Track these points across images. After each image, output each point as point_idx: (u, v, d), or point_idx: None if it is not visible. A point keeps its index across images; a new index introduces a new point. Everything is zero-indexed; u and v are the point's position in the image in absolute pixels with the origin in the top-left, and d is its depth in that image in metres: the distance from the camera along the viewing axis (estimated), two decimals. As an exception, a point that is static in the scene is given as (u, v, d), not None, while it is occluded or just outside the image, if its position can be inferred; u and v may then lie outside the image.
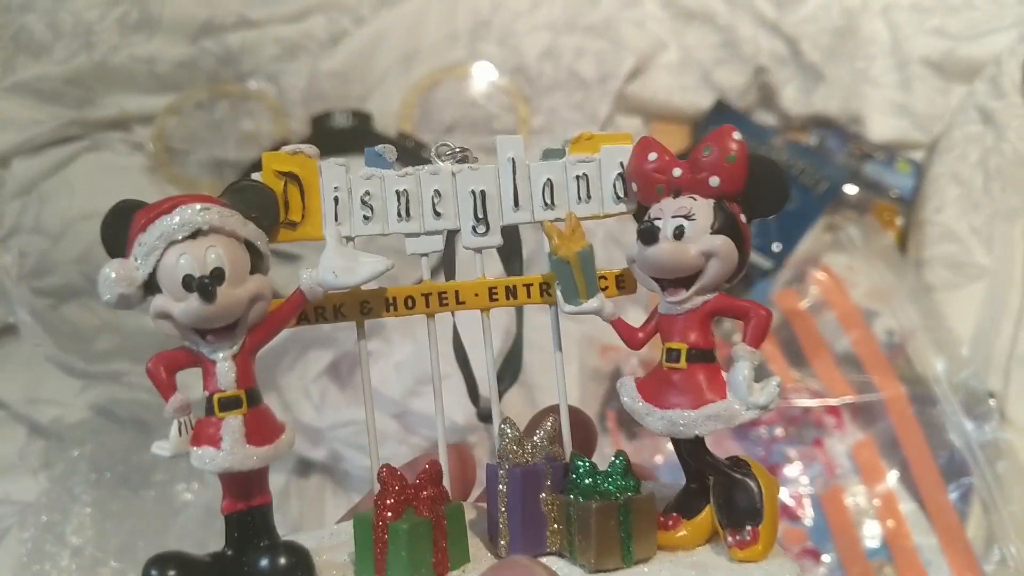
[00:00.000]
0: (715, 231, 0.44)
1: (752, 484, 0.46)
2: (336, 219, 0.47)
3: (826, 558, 0.83)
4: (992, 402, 0.90)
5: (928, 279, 1.03)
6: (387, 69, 1.17)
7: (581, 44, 1.19)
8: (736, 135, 0.44)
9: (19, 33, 1.11)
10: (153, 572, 0.42)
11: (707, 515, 0.46)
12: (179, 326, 0.41)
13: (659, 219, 0.45)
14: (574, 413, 0.52)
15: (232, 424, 0.42)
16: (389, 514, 0.43)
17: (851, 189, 1.11)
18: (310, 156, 0.47)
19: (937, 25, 1.18)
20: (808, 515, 0.86)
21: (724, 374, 0.45)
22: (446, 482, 0.47)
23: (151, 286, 0.41)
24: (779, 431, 0.91)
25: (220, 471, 0.42)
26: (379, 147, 0.48)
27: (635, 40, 1.19)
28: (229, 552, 0.44)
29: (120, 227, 0.42)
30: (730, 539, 0.45)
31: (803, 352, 0.97)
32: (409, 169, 0.48)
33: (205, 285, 0.40)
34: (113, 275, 0.41)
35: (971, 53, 1.15)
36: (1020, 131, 1.07)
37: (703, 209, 0.44)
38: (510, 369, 0.57)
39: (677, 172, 0.45)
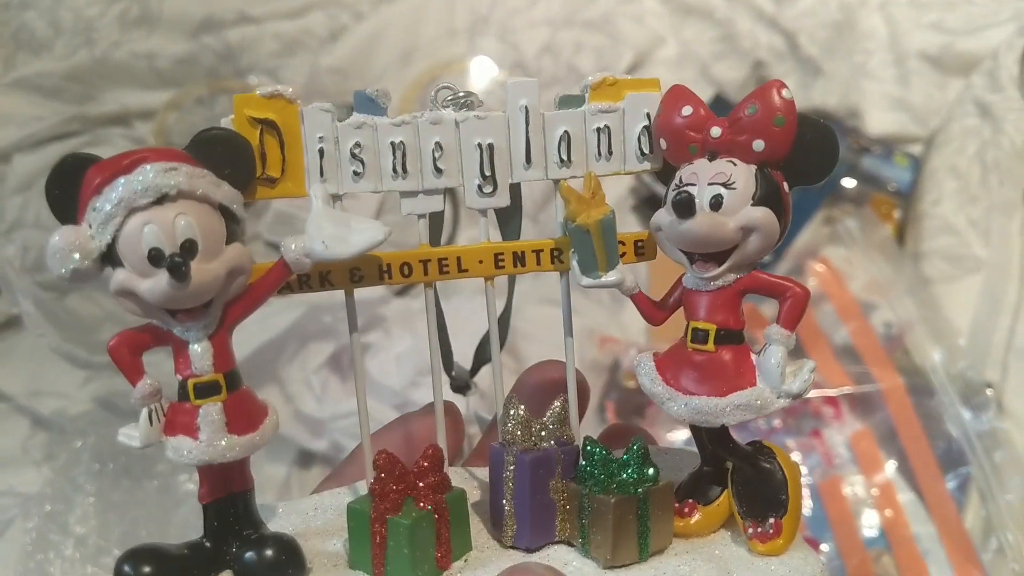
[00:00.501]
0: (756, 202, 0.39)
1: (778, 474, 0.42)
2: (322, 175, 0.41)
3: (824, 547, 0.83)
4: (989, 392, 0.90)
5: (926, 271, 1.04)
6: (386, 65, 1.18)
7: (580, 39, 1.19)
8: (785, 92, 0.38)
9: (20, 30, 1.11)
10: (127, 568, 0.38)
11: (724, 501, 0.43)
12: (145, 304, 0.36)
13: (693, 185, 0.39)
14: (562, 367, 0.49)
15: (210, 412, 0.37)
16: (387, 507, 0.39)
17: (849, 182, 1.11)
18: (290, 100, 0.40)
19: (935, 20, 1.19)
20: (806, 505, 0.86)
21: (753, 356, 0.41)
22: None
23: (110, 257, 0.36)
24: (777, 421, 0.91)
25: (199, 463, 0.38)
26: (370, 89, 0.41)
27: (634, 35, 1.20)
28: (207, 543, 0.40)
29: (69, 187, 0.36)
30: (751, 531, 0.42)
31: (801, 343, 0.97)
32: (406, 116, 0.42)
33: (178, 264, 0.34)
34: (64, 245, 0.35)
35: (968, 47, 1.16)
36: (1017, 124, 1.07)
37: (744, 176, 0.39)
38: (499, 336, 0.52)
39: (716, 132, 0.40)
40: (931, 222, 1.06)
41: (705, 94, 1.18)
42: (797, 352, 0.99)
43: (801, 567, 0.41)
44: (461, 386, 0.51)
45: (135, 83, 1.13)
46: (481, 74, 1.17)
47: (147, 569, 0.38)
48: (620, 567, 0.41)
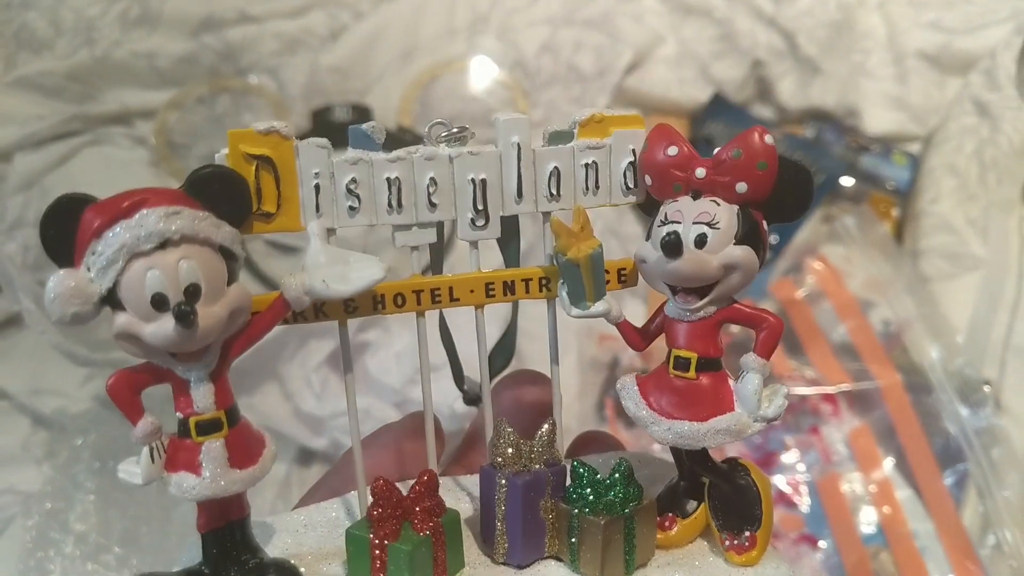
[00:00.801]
0: (738, 241, 0.41)
1: (752, 490, 0.45)
2: (318, 210, 0.41)
3: (822, 544, 0.84)
4: (987, 389, 0.90)
5: (924, 269, 1.04)
6: (386, 64, 1.18)
7: (579, 38, 1.19)
8: (768, 139, 0.40)
9: (21, 30, 1.12)
10: None
11: (700, 514, 0.46)
12: (147, 348, 0.36)
13: (678, 223, 0.41)
14: (537, 377, 0.51)
15: (213, 449, 0.38)
16: (386, 533, 0.40)
17: (848, 181, 1.12)
18: (284, 136, 0.40)
19: (933, 19, 1.19)
20: (805, 502, 0.87)
21: (731, 382, 0.43)
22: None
23: (110, 299, 0.35)
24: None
25: (202, 499, 0.38)
26: (366, 125, 0.42)
27: (633, 34, 1.20)
28: (206, 570, 0.40)
29: (65, 227, 0.35)
30: (727, 543, 0.45)
31: (800, 341, 0.98)
32: (401, 152, 0.42)
33: (185, 312, 0.34)
34: (63, 291, 0.34)
35: (967, 46, 1.16)
36: (1015, 123, 1.07)
37: (727, 216, 0.41)
38: (503, 354, 0.53)
39: (701, 173, 0.41)
40: (929, 220, 1.07)
41: (704, 93, 1.19)
42: (796, 349, 0.99)
43: (768, 572, 0.44)
44: (473, 399, 0.52)
45: (136, 82, 1.13)
46: (481, 73, 1.18)
47: None
48: None
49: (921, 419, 0.90)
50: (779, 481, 0.88)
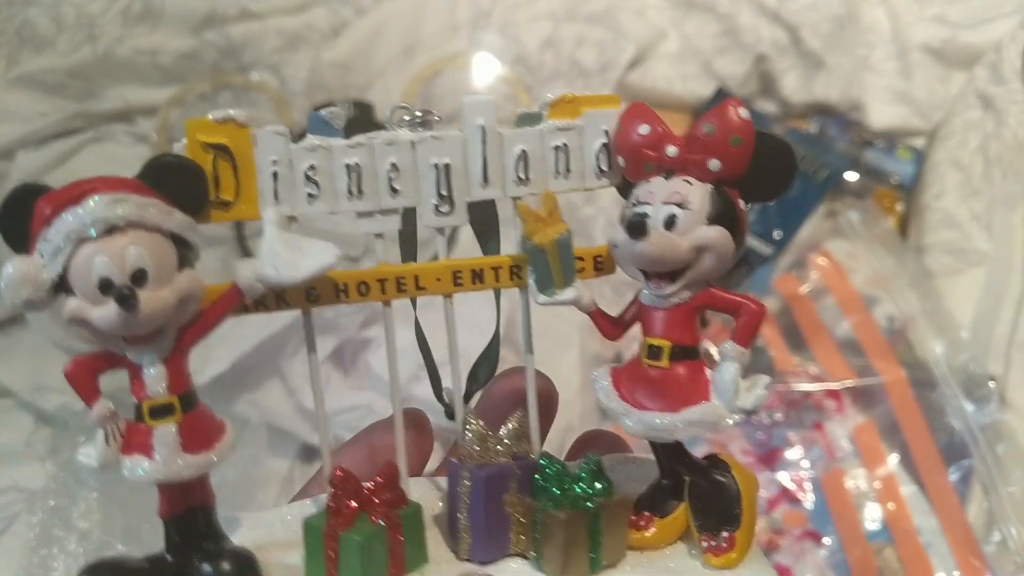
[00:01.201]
0: (711, 221, 0.39)
1: (731, 488, 0.42)
2: (276, 197, 0.41)
3: (827, 540, 0.84)
4: (992, 385, 0.90)
5: (928, 265, 1.03)
6: (388, 59, 1.18)
7: (582, 33, 1.19)
8: (743, 111, 0.39)
9: (23, 27, 1.12)
10: None
11: (680, 514, 0.43)
12: (97, 332, 0.37)
13: (648, 204, 0.40)
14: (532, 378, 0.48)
15: (164, 433, 0.38)
16: (340, 523, 0.40)
17: (852, 176, 1.11)
18: (241, 124, 0.40)
19: (937, 13, 1.18)
20: (809, 498, 0.86)
21: (708, 372, 0.41)
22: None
23: (62, 285, 0.36)
24: (779, 415, 0.91)
25: (155, 482, 0.38)
26: (325, 111, 0.41)
27: (635, 29, 1.20)
28: (170, 557, 0.40)
29: (20, 217, 0.36)
30: (705, 544, 0.42)
31: (803, 337, 0.97)
32: (360, 138, 0.41)
33: (125, 296, 0.35)
34: (16, 277, 0.35)
35: (971, 40, 1.15)
36: (1020, 117, 1.07)
37: (698, 195, 0.39)
38: (486, 364, 0.49)
39: (672, 151, 0.40)
40: (934, 215, 1.06)
41: (707, 88, 1.18)
42: (800, 345, 0.99)
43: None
44: (452, 414, 0.48)
45: (138, 79, 1.13)
46: (483, 69, 1.18)
47: None
48: None
49: (926, 415, 0.90)
50: (783, 478, 0.88)
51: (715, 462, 0.43)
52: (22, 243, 0.36)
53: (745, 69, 1.20)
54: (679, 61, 1.20)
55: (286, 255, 0.38)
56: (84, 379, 0.38)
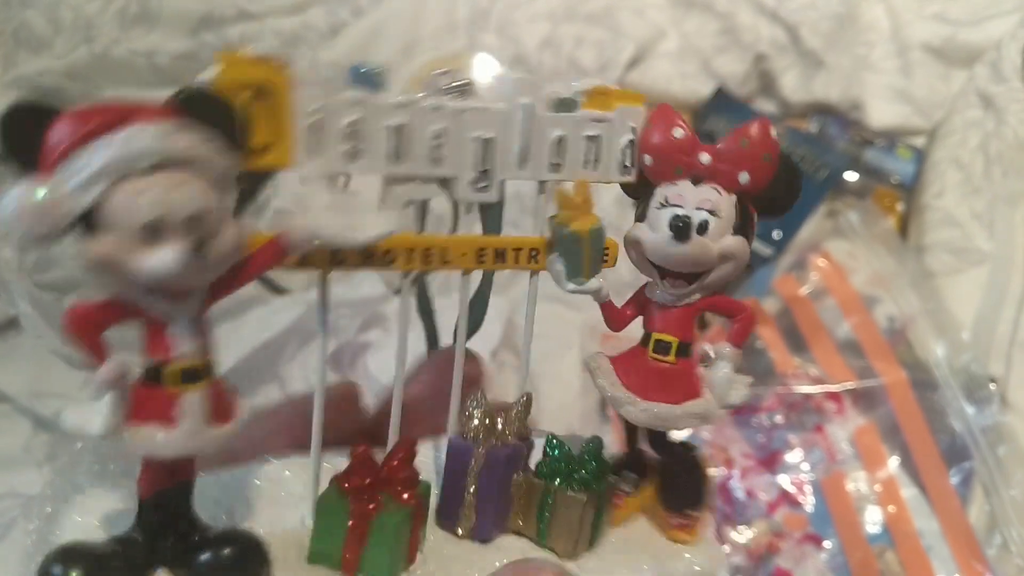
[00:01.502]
0: (735, 231, 0.42)
1: (702, 473, 0.47)
2: (312, 150, 0.38)
3: (827, 544, 0.83)
4: (993, 386, 0.90)
5: (929, 264, 1.03)
6: (386, 60, 1.17)
7: (581, 33, 1.18)
8: (773, 132, 0.41)
9: (20, 28, 1.11)
10: (55, 571, 0.34)
11: (647, 491, 0.48)
12: (128, 281, 0.31)
13: (680, 207, 0.41)
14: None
15: (193, 400, 0.33)
16: (370, 504, 0.38)
17: (852, 176, 1.11)
18: (282, 64, 0.36)
19: (937, 11, 1.18)
20: (809, 501, 0.86)
21: (700, 369, 0.44)
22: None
23: (85, 221, 0.30)
24: (779, 417, 0.91)
25: (175, 455, 0.34)
26: (366, 66, 0.39)
27: (635, 28, 1.19)
28: (139, 537, 0.37)
29: (30, 134, 0.30)
30: (673, 520, 0.47)
31: (803, 338, 0.97)
32: (404, 99, 0.39)
33: (201, 241, 0.30)
34: (27, 207, 0.28)
35: (971, 39, 1.15)
36: (1020, 116, 1.06)
37: (727, 205, 0.41)
38: (471, 320, 0.50)
39: (705, 158, 0.42)
40: (934, 215, 1.06)
41: (706, 87, 1.18)
42: (800, 347, 0.99)
43: (705, 551, 0.47)
44: None
45: (135, 80, 1.13)
46: (481, 69, 1.17)
47: (76, 573, 0.34)
48: (575, 559, 0.44)
49: (927, 417, 0.89)
50: (783, 480, 0.87)
51: (689, 448, 0.48)
52: (29, 164, 0.30)
53: (744, 68, 1.19)
54: (678, 60, 1.19)
55: (344, 216, 0.35)
56: (90, 333, 0.33)
